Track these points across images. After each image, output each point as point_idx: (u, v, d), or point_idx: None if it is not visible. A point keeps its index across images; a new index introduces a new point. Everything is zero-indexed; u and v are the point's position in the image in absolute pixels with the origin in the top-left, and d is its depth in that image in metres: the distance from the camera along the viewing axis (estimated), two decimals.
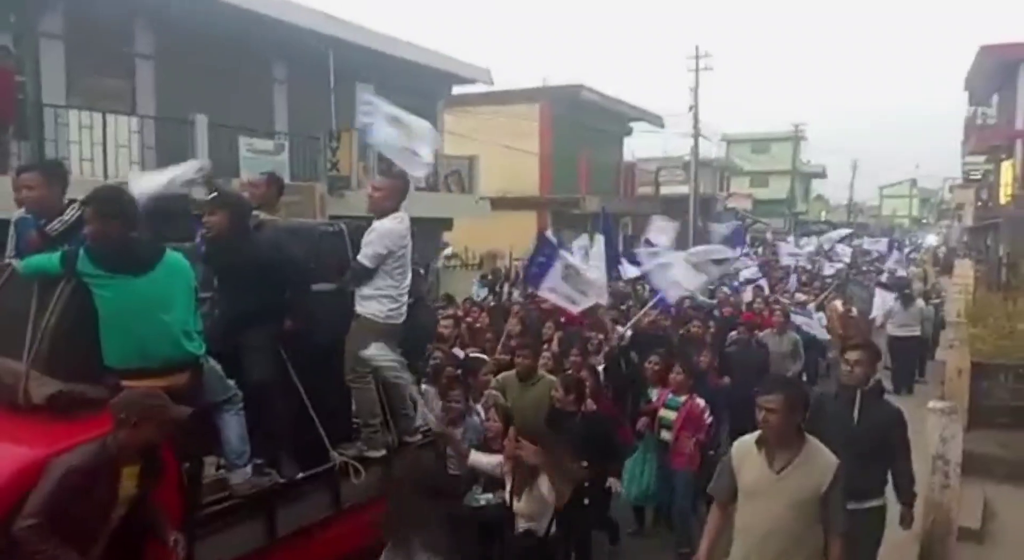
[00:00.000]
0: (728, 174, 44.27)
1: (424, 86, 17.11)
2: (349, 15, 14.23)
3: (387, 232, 4.65)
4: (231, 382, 4.03)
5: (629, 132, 28.47)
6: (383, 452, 4.80)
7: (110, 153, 10.39)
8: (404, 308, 4.78)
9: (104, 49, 11.23)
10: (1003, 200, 23.50)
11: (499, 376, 6.20)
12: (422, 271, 5.38)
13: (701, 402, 6.24)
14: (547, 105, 22.43)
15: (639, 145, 31.25)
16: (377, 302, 4.67)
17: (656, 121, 28.27)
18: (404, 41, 15.52)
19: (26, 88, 10.01)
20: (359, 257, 4.64)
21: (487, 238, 19.32)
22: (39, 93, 10.21)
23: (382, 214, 4.74)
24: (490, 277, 15.46)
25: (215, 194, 4.55)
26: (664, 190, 29.80)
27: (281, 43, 13.03)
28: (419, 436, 5.19)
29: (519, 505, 4.53)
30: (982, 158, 30.99)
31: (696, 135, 29.19)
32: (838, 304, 13.40)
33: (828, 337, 11.84)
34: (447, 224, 17.57)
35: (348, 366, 4.65)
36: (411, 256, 4.89)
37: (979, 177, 33.04)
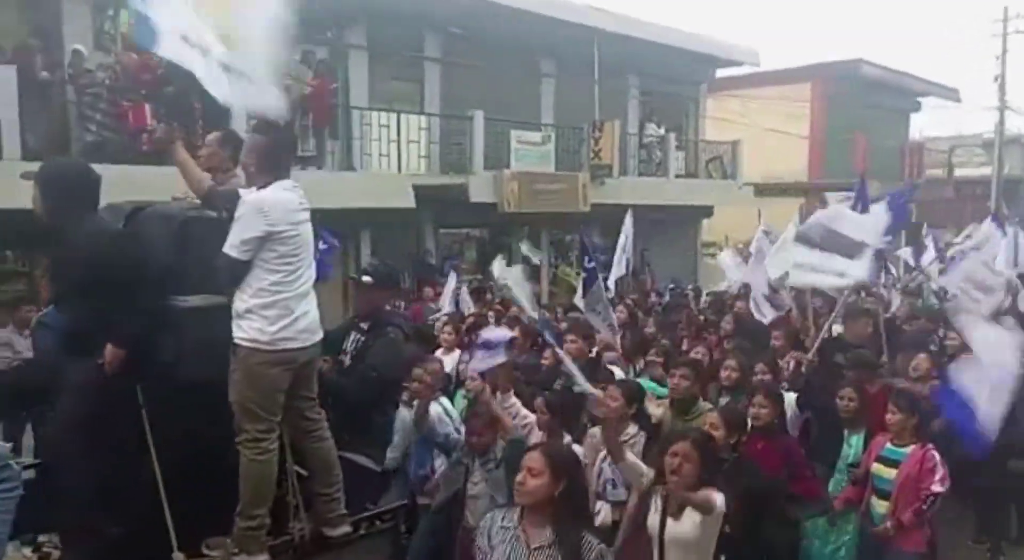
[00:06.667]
0: None
1: (686, 71, 16.93)
2: (611, 4, 14.47)
3: (260, 203, 3.14)
4: (5, 446, 2.66)
5: (917, 108, 25.70)
6: (264, 557, 3.26)
7: (403, 149, 11.74)
8: (309, 323, 3.25)
9: (399, 56, 12.65)
10: None
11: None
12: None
13: (935, 455, 4.32)
14: (820, 83, 21.10)
15: (928, 122, 27.88)
16: (258, 318, 3.11)
17: (950, 95, 25.19)
18: (665, 27, 15.47)
19: (337, 94, 11.65)
20: (224, 248, 3.11)
21: (750, 227, 18.64)
22: (348, 98, 11.81)
23: (252, 181, 3.31)
24: None
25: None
26: (959, 172, 26.46)
27: (549, 39, 13.67)
28: (345, 528, 3.53)
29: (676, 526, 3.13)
30: None
31: (1002, 108, 25.51)
32: None
33: None
34: (707, 212, 17.30)
35: (236, 424, 3.20)
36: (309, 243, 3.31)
37: None
